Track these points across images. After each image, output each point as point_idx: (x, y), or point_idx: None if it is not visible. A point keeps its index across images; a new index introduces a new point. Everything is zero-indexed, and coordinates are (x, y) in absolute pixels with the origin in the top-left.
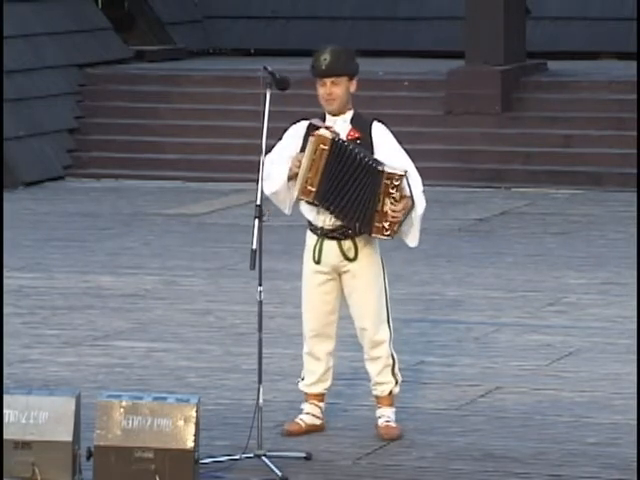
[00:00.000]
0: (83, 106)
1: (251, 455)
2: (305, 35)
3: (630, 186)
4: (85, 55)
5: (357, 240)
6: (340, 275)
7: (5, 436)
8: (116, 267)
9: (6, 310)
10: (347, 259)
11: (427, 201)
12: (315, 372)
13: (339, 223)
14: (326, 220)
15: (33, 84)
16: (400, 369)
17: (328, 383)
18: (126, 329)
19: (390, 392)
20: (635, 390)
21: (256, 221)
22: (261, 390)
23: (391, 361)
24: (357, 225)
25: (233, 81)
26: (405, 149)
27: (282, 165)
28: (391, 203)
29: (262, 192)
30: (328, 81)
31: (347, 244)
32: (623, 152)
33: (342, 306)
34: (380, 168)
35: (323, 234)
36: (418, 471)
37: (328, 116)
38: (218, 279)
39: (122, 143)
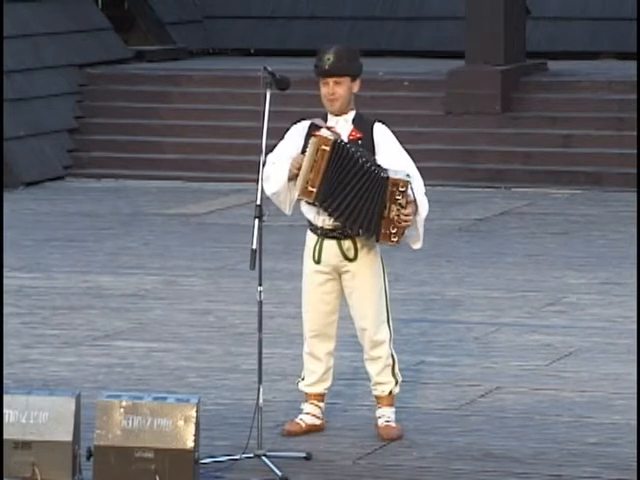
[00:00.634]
0: (83, 106)
1: (251, 455)
2: (305, 35)
3: (630, 186)
4: (85, 55)
5: (357, 240)
6: (340, 275)
7: (5, 436)
8: (116, 267)
9: (6, 310)
10: (347, 259)
11: (428, 202)
12: (315, 372)
13: (338, 223)
14: (326, 220)
15: (33, 84)
16: (400, 369)
17: (328, 383)
18: (126, 329)
19: (390, 392)
20: (635, 390)
21: (256, 221)
22: (261, 390)
23: (391, 361)
24: (359, 230)
25: (233, 81)
26: (405, 149)
27: (283, 165)
28: (397, 209)
29: (262, 192)
30: (331, 81)
31: (347, 244)
32: (623, 152)
33: (342, 306)
34: (384, 175)
35: (323, 234)
36: (418, 471)
37: (330, 116)
38: (218, 279)
39: (122, 143)
